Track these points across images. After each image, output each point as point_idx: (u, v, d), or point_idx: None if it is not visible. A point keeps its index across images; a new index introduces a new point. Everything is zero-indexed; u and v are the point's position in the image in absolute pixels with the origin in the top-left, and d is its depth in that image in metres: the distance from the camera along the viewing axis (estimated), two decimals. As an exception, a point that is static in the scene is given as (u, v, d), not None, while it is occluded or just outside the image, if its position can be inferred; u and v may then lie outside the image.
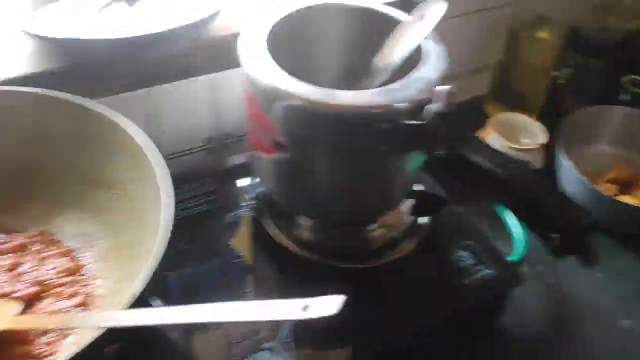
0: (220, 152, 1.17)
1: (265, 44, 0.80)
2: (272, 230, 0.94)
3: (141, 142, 0.77)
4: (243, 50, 0.79)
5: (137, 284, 0.62)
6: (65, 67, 0.91)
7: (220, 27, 0.99)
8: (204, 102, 1.08)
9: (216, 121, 1.12)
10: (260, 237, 0.95)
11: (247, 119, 0.86)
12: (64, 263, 0.78)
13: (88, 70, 0.92)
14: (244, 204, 0.99)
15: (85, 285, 0.77)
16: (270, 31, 0.82)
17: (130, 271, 0.75)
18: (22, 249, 0.79)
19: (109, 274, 0.78)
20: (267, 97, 0.78)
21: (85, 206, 0.83)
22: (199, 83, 1.06)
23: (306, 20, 0.90)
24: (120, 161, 0.80)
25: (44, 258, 0.78)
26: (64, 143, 0.82)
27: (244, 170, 1.05)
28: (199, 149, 1.13)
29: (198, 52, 1.00)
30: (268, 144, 0.82)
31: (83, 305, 0.74)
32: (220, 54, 1.00)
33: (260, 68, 0.77)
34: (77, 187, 0.83)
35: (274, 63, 0.77)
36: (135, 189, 0.78)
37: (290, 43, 0.86)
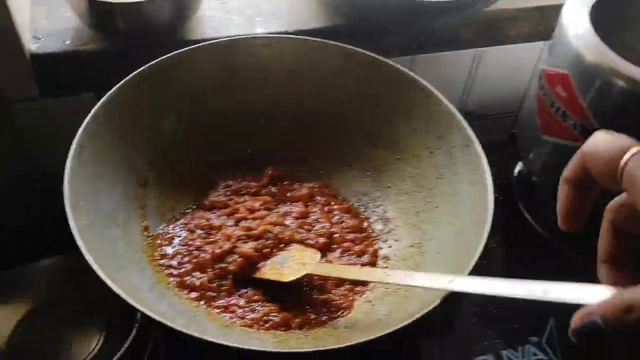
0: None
1: (589, 20, 0.75)
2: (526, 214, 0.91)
3: (447, 106, 0.75)
4: (567, 24, 0.74)
5: (472, 258, 0.60)
6: (344, 25, 0.91)
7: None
8: (462, 75, 1.05)
9: (466, 96, 1.09)
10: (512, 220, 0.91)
11: (539, 99, 0.81)
12: (348, 219, 0.78)
13: (364, 29, 0.92)
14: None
15: (371, 245, 0.76)
16: (593, 6, 0.77)
17: (419, 238, 0.74)
18: (309, 198, 0.80)
19: (393, 236, 0.76)
20: (588, 77, 0.72)
21: (367, 166, 0.83)
22: (460, 56, 1.02)
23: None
24: (415, 124, 0.78)
25: (329, 211, 0.79)
26: (357, 98, 0.82)
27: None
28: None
29: (471, 25, 0.97)
30: (569, 129, 0.76)
31: (372, 264, 0.74)
32: (492, 30, 0.97)
33: (584, 45, 0.72)
34: (361, 146, 0.83)
35: (600, 41, 0.72)
36: (430, 156, 0.76)
37: (612, 21, 0.79)
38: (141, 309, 0.52)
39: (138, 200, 0.73)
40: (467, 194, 0.70)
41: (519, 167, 0.98)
